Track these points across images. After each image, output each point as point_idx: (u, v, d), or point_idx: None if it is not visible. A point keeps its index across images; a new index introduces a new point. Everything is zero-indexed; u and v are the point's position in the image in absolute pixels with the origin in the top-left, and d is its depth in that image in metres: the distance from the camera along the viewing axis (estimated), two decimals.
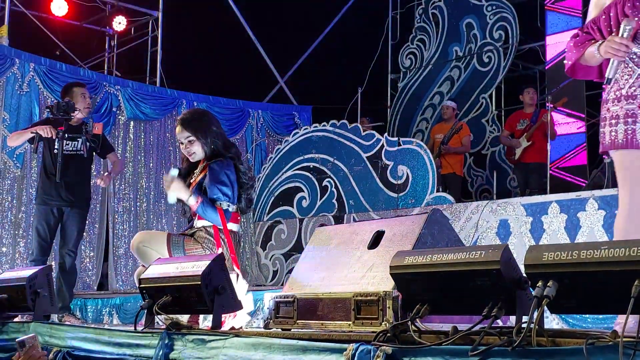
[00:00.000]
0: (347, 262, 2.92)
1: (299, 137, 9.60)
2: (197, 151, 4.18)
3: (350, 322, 2.69)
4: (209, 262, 3.00)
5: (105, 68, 10.33)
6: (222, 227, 4.02)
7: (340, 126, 9.09)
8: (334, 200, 8.98)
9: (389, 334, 2.39)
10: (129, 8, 10.21)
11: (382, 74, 11.83)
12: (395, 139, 8.51)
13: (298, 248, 9.16)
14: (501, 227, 7.14)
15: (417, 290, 2.37)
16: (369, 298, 2.64)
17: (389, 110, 11.83)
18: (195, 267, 3.02)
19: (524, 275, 2.16)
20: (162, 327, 3.19)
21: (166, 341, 2.99)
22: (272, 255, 9.60)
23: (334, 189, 9.01)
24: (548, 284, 2.02)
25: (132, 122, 9.63)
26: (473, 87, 10.84)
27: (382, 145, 8.51)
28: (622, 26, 3.11)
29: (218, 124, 4.31)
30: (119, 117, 9.49)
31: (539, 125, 8.49)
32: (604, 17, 3.17)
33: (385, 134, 8.73)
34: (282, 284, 9.06)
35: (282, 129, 10.70)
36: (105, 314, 7.21)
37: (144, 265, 3.82)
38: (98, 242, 9.16)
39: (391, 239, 2.83)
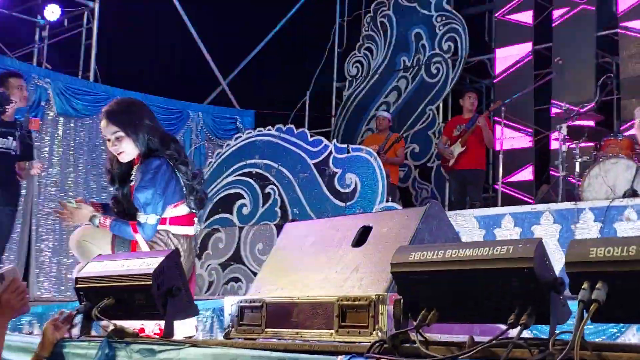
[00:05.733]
0: (327, 262, 2.51)
1: (241, 141, 9.13)
2: (126, 150, 3.58)
3: (333, 331, 2.27)
4: (162, 258, 2.55)
5: (35, 59, 9.65)
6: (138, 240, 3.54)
7: (286, 131, 8.67)
8: (277, 208, 8.55)
9: (386, 345, 1.99)
10: None
11: (327, 81, 11.51)
12: (345, 145, 8.14)
13: (236, 258, 8.70)
14: None
15: (423, 293, 1.97)
16: (357, 303, 2.23)
17: (333, 119, 11.49)
18: (145, 264, 2.56)
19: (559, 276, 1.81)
20: (103, 334, 2.72)
21: (107, 351, 2.53)
22: (209, 265, 9.08)
23: (277, 197, 8.57)
24: (597, 286, 1.66)
25: (61, 118, 9.00)
26: (420, 98, 10.61)
27: (330, 152, 8.13)
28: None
29: (151, 116, 3.71)
30: (48, 112, 8.86)
31: (474, 130, 8.30)
32: None
33: (334, 140, 8.37)
34: (219, 295, 8.60)
35: (223, 133, 10.22)
36: (24, 323, 6.57)
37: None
38: (19, 246, 8.48)
39: (381, 235, 2.43)
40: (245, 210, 8.91)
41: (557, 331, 1.75)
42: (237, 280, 8.73)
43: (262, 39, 11.26)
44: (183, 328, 3.17)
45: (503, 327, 2.30)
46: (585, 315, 1.64)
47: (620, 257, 1.65)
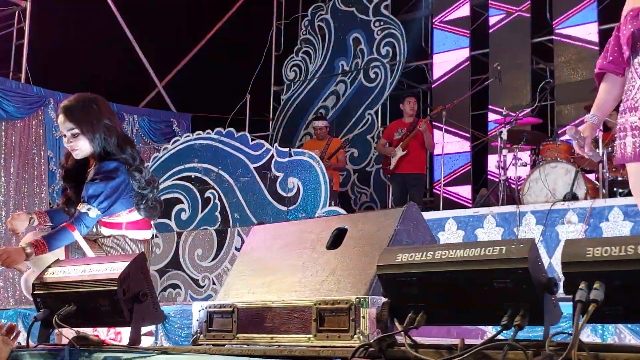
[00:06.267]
0: (301, 264, 2.45)
1: (179, 144, 8.95)
2: (81, 147, 3.43)
3: (311, 336, 2.22)
4: (127, 262, 2.44)
5: None
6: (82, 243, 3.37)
7: (227, 134, 8.54)
8: (217, 213, 8.41)
9: (372, 349, 1.95)
10: None
11: (265, 85, 11.42)
12: (287, 149, 8.07)
13: (175, 264, 8.51)
14: None
15: (410, 296, 1.94)
16: (336, 306, 2.17)
17: (271, 123, 11.41)
18: (110, 269, 2.45)
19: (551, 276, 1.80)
20: (57, 342, 2.60)
21: None
22: None
23: (217, 201, 8.44)
24: (594, 286, 1.65)
25: None
26: (359, 102, 10.64)
27: (272, 156, 8.05)
28: (568, 136, 3.24)
29: (112, 116, 3.54)
30: None
31: (415, 135, 8.35)
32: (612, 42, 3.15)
33: (276, 144, 8.29)
34: None
35: (160, 137, 10.03)
36: None
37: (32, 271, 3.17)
38: None
39: (357, 237, 2.39)
40: (183, 215, 8.74)
41: (554, 332, 1.74)
42: (175, 287, 8.55)
43: (199, 42, 11.10)
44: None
45: (482, 328, 2.29)
46: (583, 316, 1.63)
47: (618, 257, 1.64)
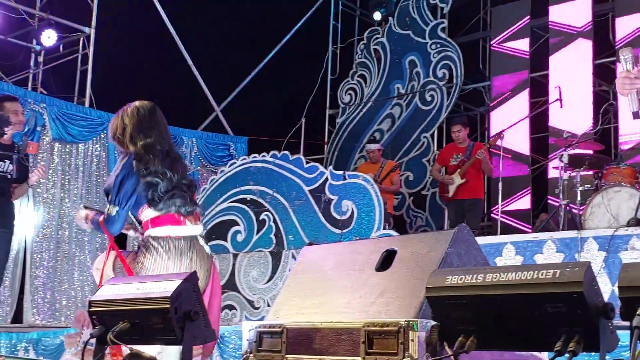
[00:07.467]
0: (350, 286, 2.43)
1: (236, 167, 9.04)
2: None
3: (359, 358, 2.19)
4: (179, 281, 2.46)
5: (30, 85, 9.56)
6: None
7: (281, 157, 8.59)
8: (272, 235, 8.44)
9: None
10: (59, 22, 9.49)
11: (320, 108, 11.49)
12: (341, 172, 8.07)
13: (231, 285, 8.57)
14: None
15: (460, 319, 1.90)
16: (385, 329, 2.15)
17: (326, 146, 11.44)
18: (162, 287, 2.47)
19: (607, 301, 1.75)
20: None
21: None
22: None
23: (272, 223, 8.47)
24: None
25: (57, 144, 8.90)
26: (414, 125, 10.59)
27: (327, 179, 8.05)
28: (621, 58, 2.95)
29: (142, 119, 3.47)
30: (44, 137, 8.76)
31: (473, 162, 8.23)
32: None
33: (330, 167, 8.30)
34: None
35: (217, 159, 10.14)
36: (20, 350, 6.43)
37: None
38: (13, 271, 8.31)
39: (406, 259, 2.36)
40: (239, 237, 8.80)
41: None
42: (231, 307, 8.61)
43: (256, 66, 11.25)
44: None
45: (537, 354, 2.24)
46: None
47: None
